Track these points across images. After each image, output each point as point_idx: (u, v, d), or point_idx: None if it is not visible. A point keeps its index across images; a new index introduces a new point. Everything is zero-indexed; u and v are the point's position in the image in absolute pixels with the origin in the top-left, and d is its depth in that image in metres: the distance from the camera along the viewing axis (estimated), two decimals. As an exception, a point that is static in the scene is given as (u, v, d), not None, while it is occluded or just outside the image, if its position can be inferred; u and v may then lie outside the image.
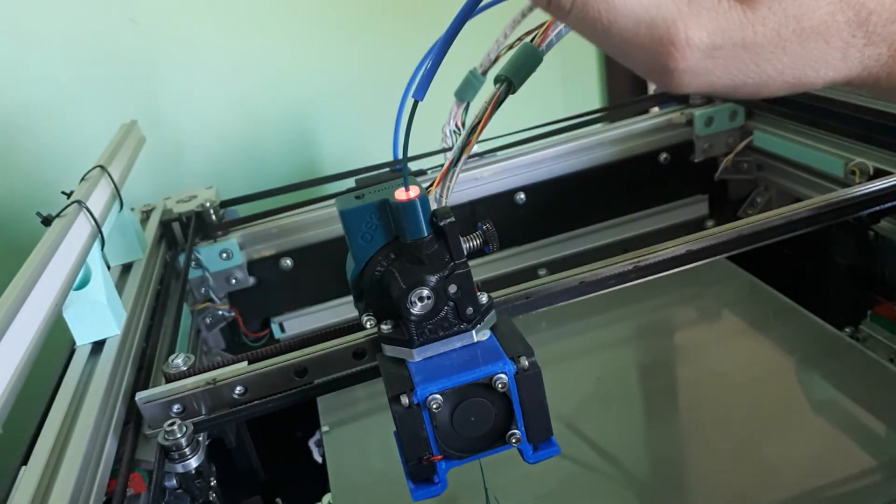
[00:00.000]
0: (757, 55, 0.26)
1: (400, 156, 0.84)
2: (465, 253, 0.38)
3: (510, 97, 0.37)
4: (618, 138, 0.87)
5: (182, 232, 0.79)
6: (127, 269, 0.69)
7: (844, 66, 0.27)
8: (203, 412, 0.48)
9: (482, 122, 0.37)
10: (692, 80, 0.27)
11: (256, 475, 0.66)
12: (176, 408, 0.48)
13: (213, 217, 0.80)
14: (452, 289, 0.37)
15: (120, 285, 0.65)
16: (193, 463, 0.47)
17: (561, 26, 0.34)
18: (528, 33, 0.36)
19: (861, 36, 0.26)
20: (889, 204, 0.56)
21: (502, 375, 0.36)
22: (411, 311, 0.37)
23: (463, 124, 0.43)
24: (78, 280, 0.54)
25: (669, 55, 0.26)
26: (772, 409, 0.58)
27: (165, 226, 0.79)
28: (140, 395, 0.48)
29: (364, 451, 0.62)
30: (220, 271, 0.80)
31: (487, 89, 0.39)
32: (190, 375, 0.49)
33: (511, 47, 0.36)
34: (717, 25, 0.26)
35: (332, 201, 0.63)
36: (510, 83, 0.36)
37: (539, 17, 0.36)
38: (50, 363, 0.53)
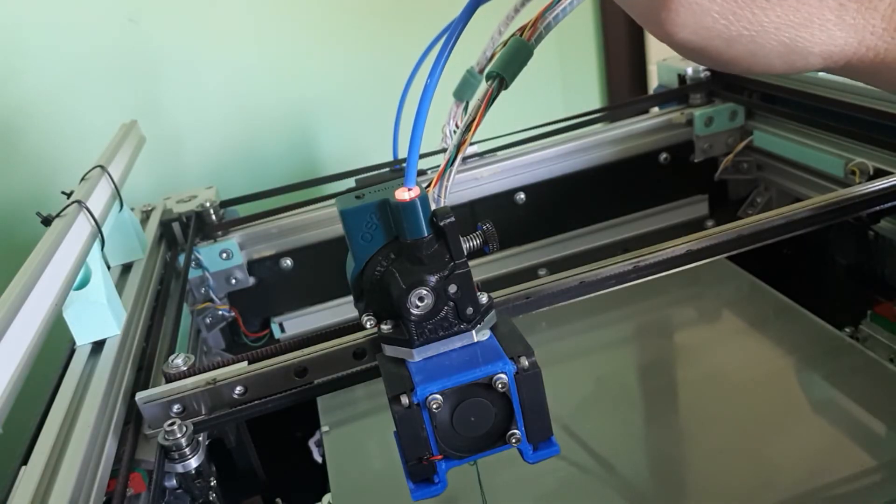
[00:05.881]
0: (752, 0, 0.26)
1: (400, 156, 0.84)
2: (465, 253, 0.38)
3: (512, 98, 0.37)
4: (618, 138, 0.87)
5: (182, 232, 0.79)
6: (127, 269, 0.69)
7: (840, 33, 0.26)
8: (203, 412, 0.48)
9: (476, 120, 0.37)
10: (687, 16, 0.27)
11: (256, 475, 0.66)
12: (176, 408, 0.48)
13: (213, 217, 0.80)
14: (452, 289, 0.37)
15: (120, 285, 0.65)
16: (193, 463, 0.47)
17: (549, 17, 0.34)
18: (519, 29, 0.36)
19: (853, 0, 0.26)
20: (889, 204, 0.56)
21: (502, 375, 0.36)
22: (411, 311, 0.37)
23: (464, 123, 0.43)
24: (78, 280, 0.54)
25: None
26: (772, 409, 0.58)
27: (165, 226, 0.79)
28: (140, 395, 0.48)
29: (364, 451, 0.62)
30: (220, 271, 0.80)
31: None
32: (190, 375, 0.49)
33: (506, 44, 0.36)
34: None
35: (332, 201, 0.63)
36: (502, 79, 0.36)
37: (531, 12, 0.36)
38: (50, 363, 0.53)
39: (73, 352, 0.55)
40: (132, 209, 0.75)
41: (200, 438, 0.48)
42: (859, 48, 0.27)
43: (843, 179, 0.73)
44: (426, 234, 0.37)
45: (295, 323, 0.85)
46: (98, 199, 0.62)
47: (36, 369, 0.43)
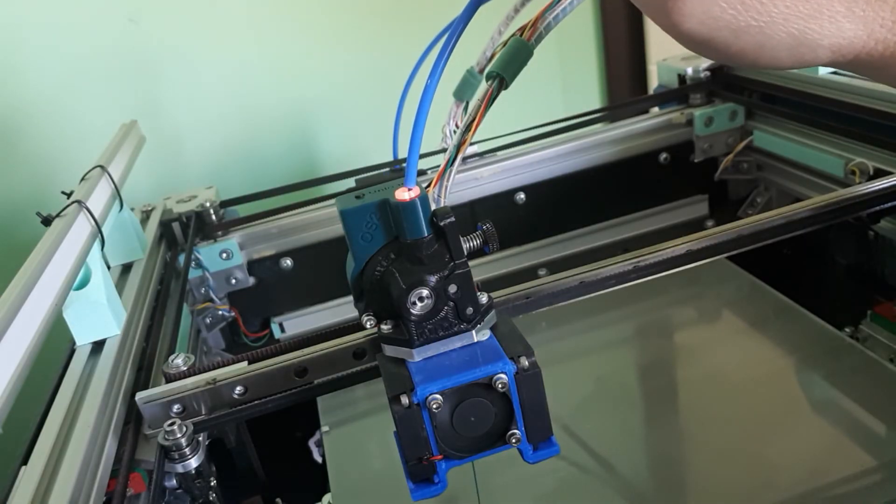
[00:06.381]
0: None
1: (400, 156, 0.84)
2: (465, 253, 0.38)
3: (513, 98, 0.37)
4: (618, 138, 0.87)
5: (182, 232, 0.79)
6: (127, 269, 0.69)
7: (850, 25, 0.26)
8: (203, 412, 0.48)
9: (476, 120, 0.37)
10: (694, 5, 0.26)
11: (256, 475, 0.66)
12: (176, 408, 0.48)
13: (213, 217, 0.80)
14: (452, 289, 0.37)
15: (120, 285, 0.65)
16: (193, 463, 0.47)
17: (549, 18, 0.34)
18: (519, 29, 0.36)
19: None
20: (889, 204, 0.56)
21: (502, 375, 0.36)
22: (411, 311, 0.37)
23: (464, 123, 0.43)
24: (78, 280, 0.54)
25: None
26: (772, 409, 0.58)
27: (165, 226, 0.79)
28: (140, 395, 0.48)
29: (364, 451, 0.62)
30: (220, 271, 0.80)
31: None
32: (190, 375, 0.49)
33: (506, 44, 0.36)
34: None
35: (332, 201, 0.63)
36: (502, 79, 0.36)
37: (531, 12, 0.36)
38: (50, 363, 0.53)
39: (73, 352, 0.55)
40: (132, 209, 0.75)
41: (200, 438, 0.48)
42: (868, 41, 0.26)
43: (843, 179, 0.73)
44: (426, 234, 0.37)
45: (295, 323, 0.85)
46: (98, 199, 0.62)
47: (36, 369, 0.43)
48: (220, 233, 0.80)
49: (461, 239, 0.38)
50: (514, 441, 0.38)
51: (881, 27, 0.26)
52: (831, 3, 0.26)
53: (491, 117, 0.37)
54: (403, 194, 0.36)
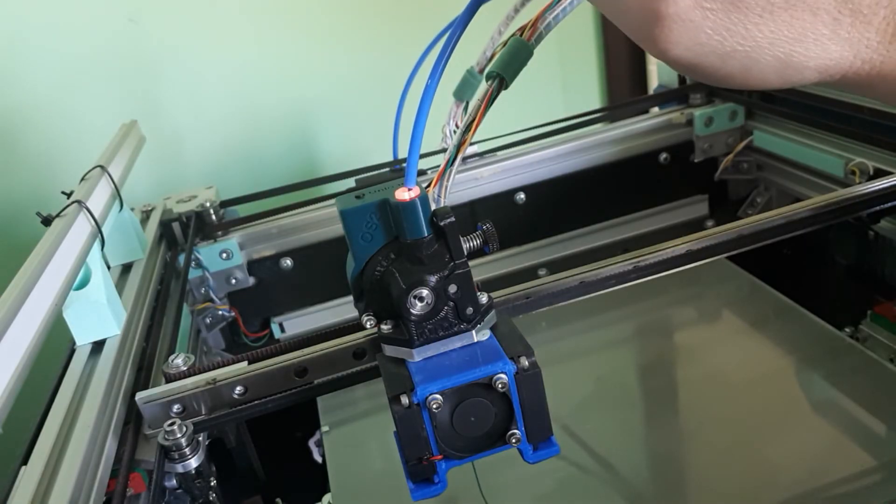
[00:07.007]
0: (745, 16, 0.26)
1: (400, 156, 0.84)
2: (465, 253, 0.38)
3: (512, 98, 0.37)
4: (618, 138, 0.87)
5: (182, 232, 0.79)
6: (127, 269, 0.69)
7: (835, 47, 0.26)
8: (203, 412, 0.48)
9: (476, 120, 0.37)
10: (681, 33, 0.26)
11: (256, 475, 0.66)
12: (176, 408, 0.48)
13: (213, 217, 0.80)
14: (452, 289, 0.37)
15: (120, 285, 0.65)
16: (193, 463, 0.47)
17: (549, 18, 0.34)
18: (519, 29, 0.36)
19: (847, 13, 0.26)
20: (889, 204, 0.56)
21: (502, 375, 0.36)
22: (411, 311, 0.37)
23: (464, 123, 0.43)
24: (78, 280, 0.54)
25: None
26: (772, 409, 0.58)
27: (165, 226, 0.79)
28: (140, 395, 0.48)
29: (364, 451, 0.62)
30: (220, 271, 0.80)
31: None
32: (190, 375, 0.49)
33: (506, 44, 0.36)
34: None
35: (332, 201, 0.63)
36: (502, 79, 0.36)
37: (531, 12, 0.36)
38: (50, 363, 0.53)
39: (73, 352, 0.55)
40: (132, 209, 0.75)
41: (200, 438, 0.48)
42: (855, 61, 0.27)
43: (843, 179, 0.73)
44: (426, 234, 0.37)
45: (295, 323, 0.85)
46: (98, 199, 0.62)
47: (36, 369, 0.43)
48: (220, 233, 0.80)
49: (461, 239, 0.38)
50: (514, 441, 0.38)
51: (867, 48, 0.26)
52: (816, 26, 0.26)
53: (491, 117, 0.37)
54: (403, 194, 0.36)
